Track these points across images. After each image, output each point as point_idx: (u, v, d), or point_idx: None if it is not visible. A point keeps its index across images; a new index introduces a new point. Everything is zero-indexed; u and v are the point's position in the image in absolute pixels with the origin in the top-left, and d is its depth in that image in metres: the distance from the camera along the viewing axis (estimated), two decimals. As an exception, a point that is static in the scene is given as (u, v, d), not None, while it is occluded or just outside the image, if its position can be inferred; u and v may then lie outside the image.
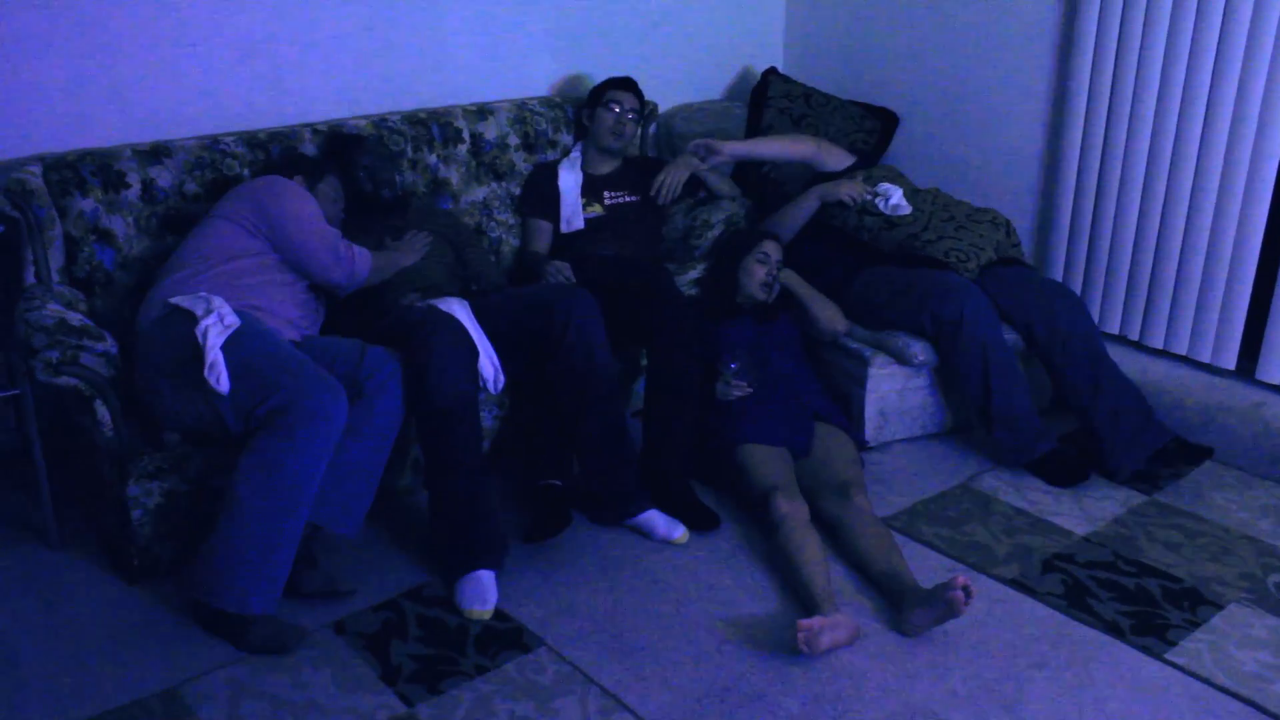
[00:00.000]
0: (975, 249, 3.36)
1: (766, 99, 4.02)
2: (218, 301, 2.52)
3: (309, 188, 2.94)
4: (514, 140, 3.66)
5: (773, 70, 4.10)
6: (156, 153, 2.99)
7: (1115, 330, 3.63)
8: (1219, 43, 3.20)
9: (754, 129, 4.03)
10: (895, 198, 3.48)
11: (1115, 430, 3.18)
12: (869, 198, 3.50)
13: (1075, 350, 3.22)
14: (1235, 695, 2.32)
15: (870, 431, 3.34)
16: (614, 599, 2.63)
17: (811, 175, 3.69)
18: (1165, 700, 2.31)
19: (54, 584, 2.66)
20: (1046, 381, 3.39)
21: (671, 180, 3.56)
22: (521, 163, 3.68)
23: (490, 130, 3.61)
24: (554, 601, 2.61)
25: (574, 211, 3.53)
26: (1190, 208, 3.36)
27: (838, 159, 3.67)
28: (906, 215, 3.45)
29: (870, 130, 4.05)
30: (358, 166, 3.12)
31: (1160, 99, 3.36)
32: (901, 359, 3.28)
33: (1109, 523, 2.97)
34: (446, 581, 2.65)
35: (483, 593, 2.59)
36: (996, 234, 3.46)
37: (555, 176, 3.58)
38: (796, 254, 3.50)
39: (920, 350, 3.26)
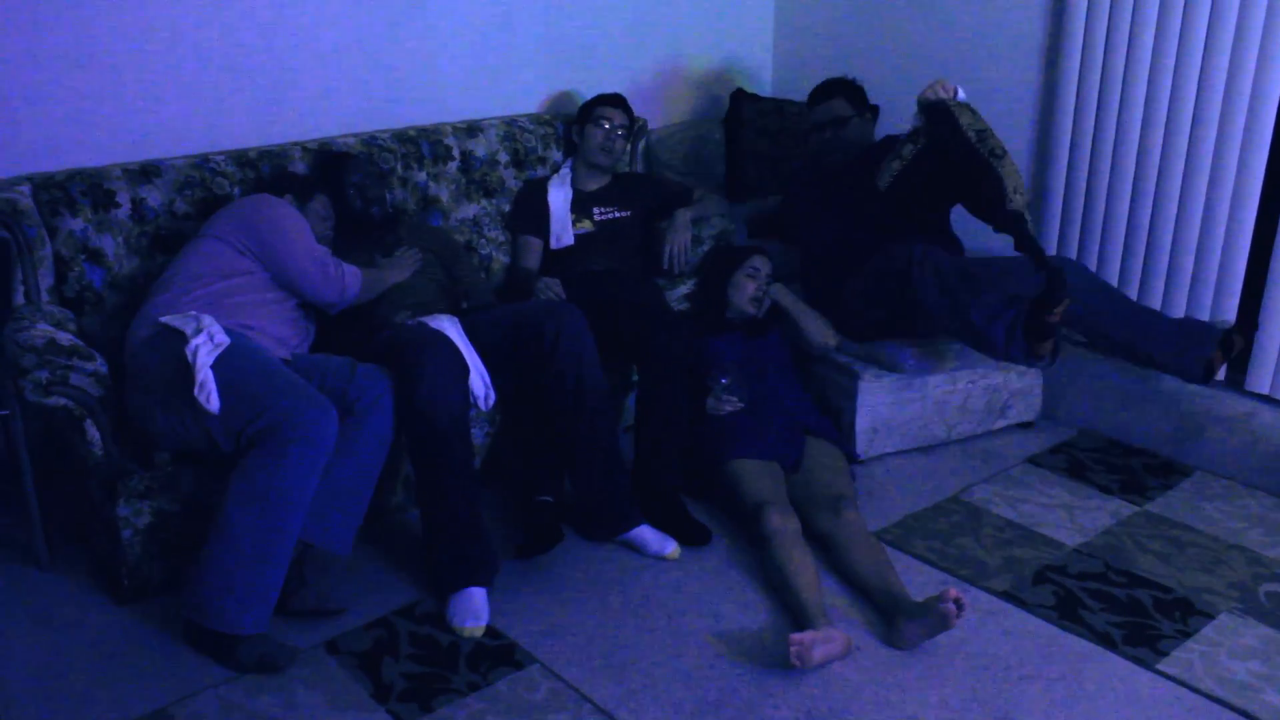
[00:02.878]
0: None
1: (742, 122, 4.03)
2: (207, 320, 2.52)
3: (299, 206, 2.95)
4: (504, 157, 3.67)
5: (739, 91, 4.12)
6: (146, 172, 2.99)
7: (1105, 341, 3.64)
8: (1205, 44, 3.21)
9: (735, 154, 4.05)
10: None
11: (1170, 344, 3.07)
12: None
13: (1096, 303, 3.13)
14: (1227, 705, 2.32)
15: (861, 445, 3.35)
16: (606, 615, 2.63)
17: (867, 143, 3.53)
18: (1157, 711, 2.31)
19: (43, 605, 2.65)
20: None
21: (679, 248, 3.54)
22: (511, 179, 3.69)
23: (480, 147, 3.62)
24: (546, 618, 2.61)
25: (564, 228, 3.54)
26: (1178, 217, 3.38)
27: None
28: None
29: None
30: (347, 185, 3.12)
31: (1146, 105, 3.39)
32: (893, 367, 3.30)
33: (1100, 534, 2.98)
34: (438, 599, 2.65)
35: (475, 610, 2.58)
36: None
37: (545, 193, 3.59)
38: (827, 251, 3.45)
39: (910, 356, 3.27)
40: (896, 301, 3.19)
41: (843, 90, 3.51)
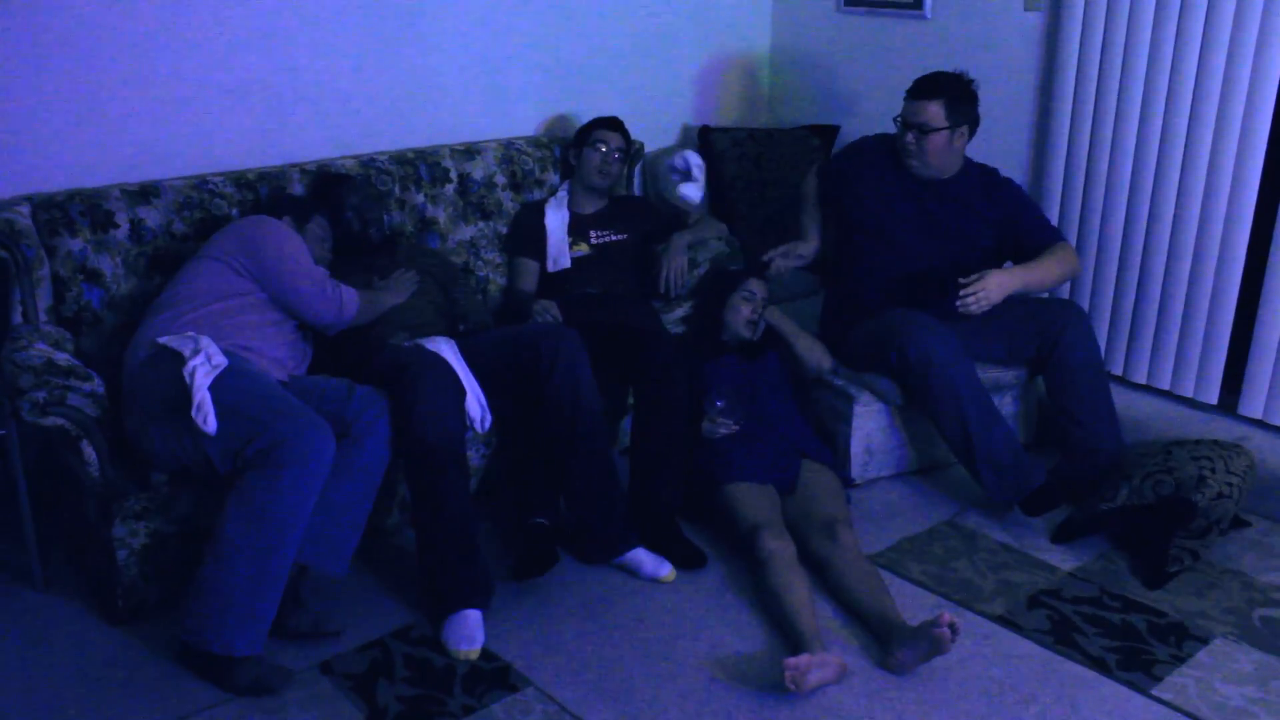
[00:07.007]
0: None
1: (717, 154, 4.12)
2: (205, 341, 2.53)
3: (297, 228, 2.95)
4: (501, 179, 3.69)
5: (705, 128, 4.20)
6: (145, 193, 3.00)
7: (1098, 366, 3.65)
8: (1195, 83, 3.25)
9: (717, 184, 4.11)
10: None
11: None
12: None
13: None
14: (1221, 731, 2.32)
15: (856, 468, 3.35)
16: (601, 638, 2.63)
17: (958, 163, 3.35)
18: (1152, 736, 2.31)
19: (38, 626, 2.64)
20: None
21: (676, 272, 3.56)
22: (509, 202, 3.70)
23: (477, 170, 3.64)
24: (541, 641, 2.61)
25: (560, 250, 3.55)
26: (1171, 245, 3.41)
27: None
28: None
29: (815, 147, 4.23)
30: (345, 206, 3.14)
31: (1139, 140, 3.42)
32: (884, 398, 3.30)
33: (1094, 558, 2.98)
34: (433, 621, 2.64)
35: (470, 632, 2.58)
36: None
37: (542, 215, 3.60)
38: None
39: (901, 392, 3.28)
40: (895, 377, 3.25)
41: (946, 92, 3.22)
